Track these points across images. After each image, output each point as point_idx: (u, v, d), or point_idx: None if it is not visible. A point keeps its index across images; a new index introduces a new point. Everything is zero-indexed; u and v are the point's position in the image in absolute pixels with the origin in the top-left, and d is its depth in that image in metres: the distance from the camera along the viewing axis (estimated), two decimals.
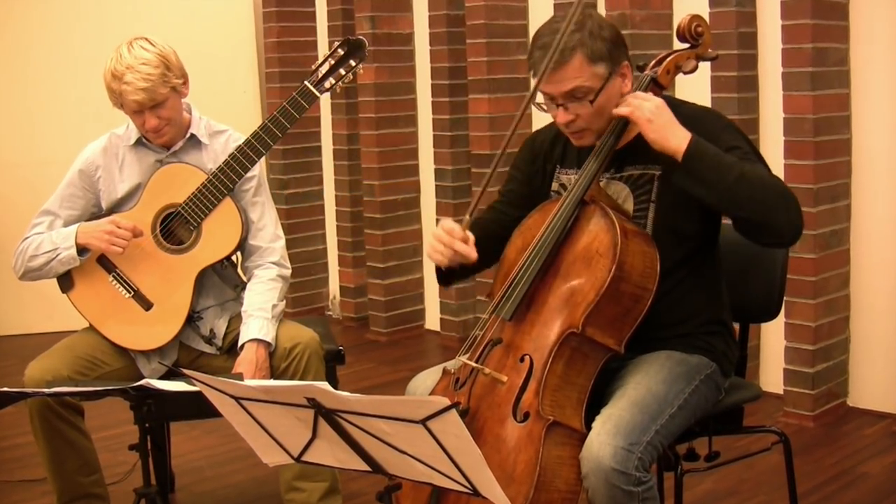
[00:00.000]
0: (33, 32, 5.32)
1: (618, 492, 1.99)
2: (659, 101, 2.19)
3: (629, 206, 2.31)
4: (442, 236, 2.23)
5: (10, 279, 3.21)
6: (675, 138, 2.14)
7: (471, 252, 2.23)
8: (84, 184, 2.87)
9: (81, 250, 2.79)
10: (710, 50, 2.37)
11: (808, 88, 3.59)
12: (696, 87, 3.70)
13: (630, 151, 2.31)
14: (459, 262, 2.26)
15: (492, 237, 2.42)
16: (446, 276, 2.40)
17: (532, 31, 4.61)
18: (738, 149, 2.21)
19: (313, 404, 1.77)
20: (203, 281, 2.86)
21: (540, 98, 2.28)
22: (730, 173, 2.10)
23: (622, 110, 2.20)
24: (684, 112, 2.24)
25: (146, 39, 2.75)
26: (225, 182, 2.80)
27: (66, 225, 2.85)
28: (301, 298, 5.65)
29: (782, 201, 2.11)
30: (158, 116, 2.74)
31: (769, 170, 2.21)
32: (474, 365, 2.20)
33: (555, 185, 2.44)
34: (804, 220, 2.16)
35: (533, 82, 2.24)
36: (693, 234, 2.31)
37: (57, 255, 2.80)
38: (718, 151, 2.15)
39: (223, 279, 2.94)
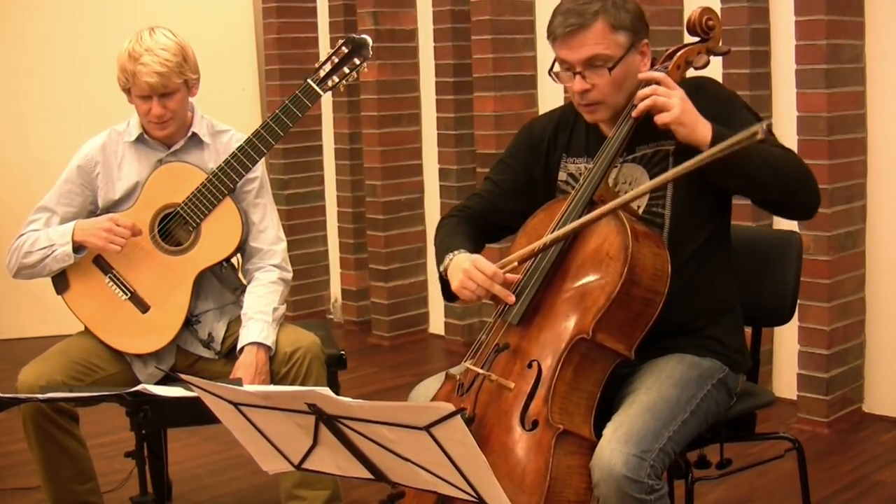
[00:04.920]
0: (27, 28, 5.29)
1: (630, 500, 1.96)
2: (681, 93, 2.15)
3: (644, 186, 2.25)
4: (477, 276, 2.18)
5: (3, 281, 3.16)
6: (700, 130, 2.13)
7: (509, 297, 2.18)
8: (82, 180, 2.84)
9: (78, 248, 2.76)
10: (721, 44, 2.34)
11: (823, 86, 3.57)
12: None
13: (638, 131, 2.26)
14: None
15: (483, 231, 2.39)
16: (454, 295, 2.33)
17: (539, 28, 4.60)
18: (739, 117, 2.21)
19: (314, 410, 1.75)
20: (202, 283, 2.84)
21: (557, 67, 2.26)
22: (754, 160, 2.10)
23: (645, 103, 2.15)
24: (685, 86, 2.20)
25: (167, 29, 2.77)
26: (225, 182, 2.77)
27: (62, 222, 2.82)
28: (302, 301, 5.62)
29: (804, 178, 2.16)
30: (165, 106, 2.74)
31: (776, 138, 2.23)
32: (480, 371, 2.16)
33: (562, 175, 2.40)
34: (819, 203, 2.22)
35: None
36: (711, 211, 2.29)
37: (52, 252, 2.77)
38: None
39: (222, 282, 2.91)
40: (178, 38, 2.76)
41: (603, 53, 2.19)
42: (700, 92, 2.21)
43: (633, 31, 2.21)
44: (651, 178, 2.26)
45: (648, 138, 2.26)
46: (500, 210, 2.43)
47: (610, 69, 2.19)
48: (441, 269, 2.29)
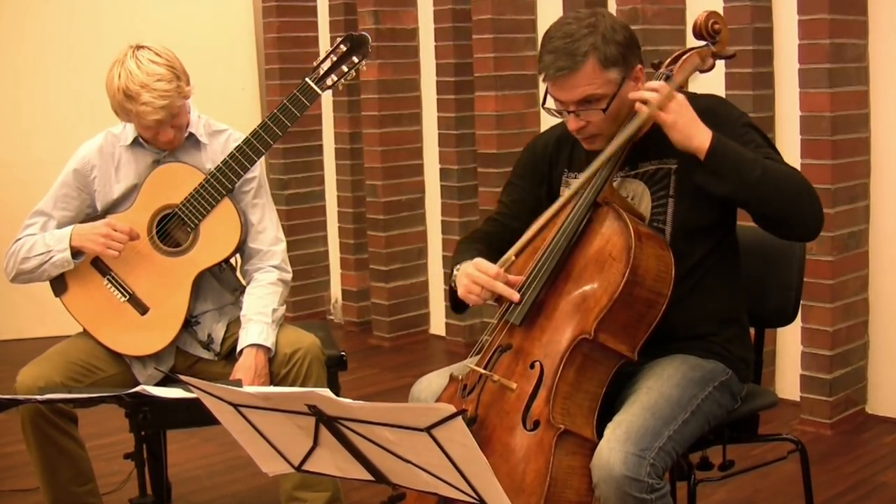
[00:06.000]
0: (27, 28, 5.28)
1: (630, 499, 1.95)
2: (681, 97, 2.15)
3: (646, 202, 2.27)
4: (479, 277, 2.17)
5: (1, 283, 3.14)
6: (697, 137, 2.12)
7: (513, 295, 2.16)
8: (78, 184, 2.83)
9: (76, 253, 2.75)
10: (727, 48, 2.33)
11: (826, 85, 3.56)
12: (710, 84, 3.62)
13: (643, 147, 2.26)
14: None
15: (499, 251, 2.35)
16: (462, 304, 2.32)
17: (540, 27, 4.59)
18: (753, 143, 2.20)
19: (314, 412, 1.74)
20: (201, 284, 2.82)
21: (551, 103, 2.24)
22: (753, 171, 2.09)
23: (643, 109, 2.14)
24: (697, 106, 2.20)
25: (149, 49, 2.69)
26: (224, 182, 2.76)
27: (59, 226, 2.81)
28: (302, 302, 5.61)
29: (805, 196, 2.12)
30: (173, 126, 2.72)
31: (784, 161, 2.20)
32: (483, 371, 2.16)
33: (564, 190, 2.39)
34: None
35: (543, 86, 2.19)
36: (713, 226, 2.28)
37: (50, 258, 2.76)
38: (739, 148, 2.14)
39: (221, 283, 2.89)
40: (163, 56, 2.68)
41: (595, 93, 2.17)
42: (712, 114, 2.19)
43: (624, 65, 2.19)
44: (652, 195, 2.26)
45: (652, 156, 2.26)
46: (514, 230, 2.40)
47: (604, 109, 2.18)
48: (451, 282, 2.29)
